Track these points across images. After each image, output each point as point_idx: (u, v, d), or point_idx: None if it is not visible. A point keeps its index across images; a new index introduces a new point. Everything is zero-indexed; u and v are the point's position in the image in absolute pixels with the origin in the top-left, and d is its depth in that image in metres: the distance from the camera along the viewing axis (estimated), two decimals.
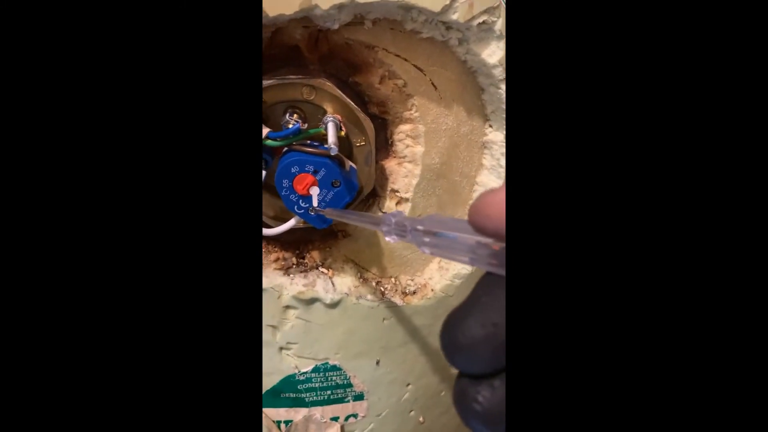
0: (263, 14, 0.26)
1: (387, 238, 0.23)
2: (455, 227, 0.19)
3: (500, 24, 0.30)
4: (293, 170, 0.29)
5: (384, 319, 0.38)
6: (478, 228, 0.17)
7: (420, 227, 0.21)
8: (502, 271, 0.17)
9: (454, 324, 0.17)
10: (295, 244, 0.37)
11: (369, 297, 0.37)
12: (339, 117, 0.31)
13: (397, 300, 0.38)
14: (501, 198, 0.17)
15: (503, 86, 0.33)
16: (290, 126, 0.29)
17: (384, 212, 0.37)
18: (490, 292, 0.17)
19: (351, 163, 0.32)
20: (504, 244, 0.17)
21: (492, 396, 0.16)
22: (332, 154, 0.28)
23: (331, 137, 0.29)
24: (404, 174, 0.36)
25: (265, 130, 0.30)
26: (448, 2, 0.28)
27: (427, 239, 0.20)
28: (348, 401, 0.40)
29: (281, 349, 0.37)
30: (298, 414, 0.40)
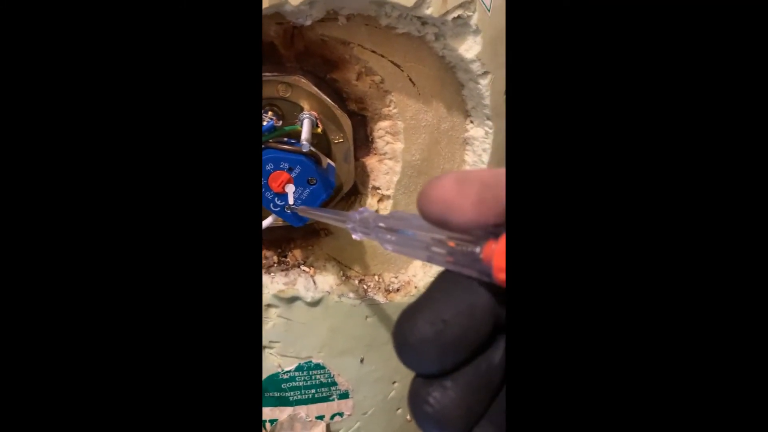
0: None
1: (354, 236, 0.23)
2: (416, 224, 0.19)
3: (476, 18, 0.30)
4: (268, 168, 0.29)
5: (367, 316, 0.38)
6: (423, 213, 0.17)
7: (382, 224, 0.20)
8: (458, 269, 0.17)
9: (404, 322, 0.16)
10: (277, 243, 0.37)
11: (351, 295, 0.37)
12: (315, 114, 0.31)
13: (380, 298, 0.38)
14: (444, 182, 0.16)
15: (482, 81, 0.33)
16: (264, 124, 0.29)
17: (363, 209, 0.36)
18: (444, 288, 0.17)
19: (329, 161, 0.32)
20: (459, 241, 0.17)
21: (443, 397, 0.16)
22: (304, 150, 0.28)
23: (305, 134, 0.29)
24: (385, 171, 0.36)
25: None
26: None
27: (389, 236, 0.20)
28: (333, 400, 0.40)
29: (263, 347, 0.37)
30: (282, 413, 0.39)
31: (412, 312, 0.16)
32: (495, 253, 0.15)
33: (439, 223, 0.17)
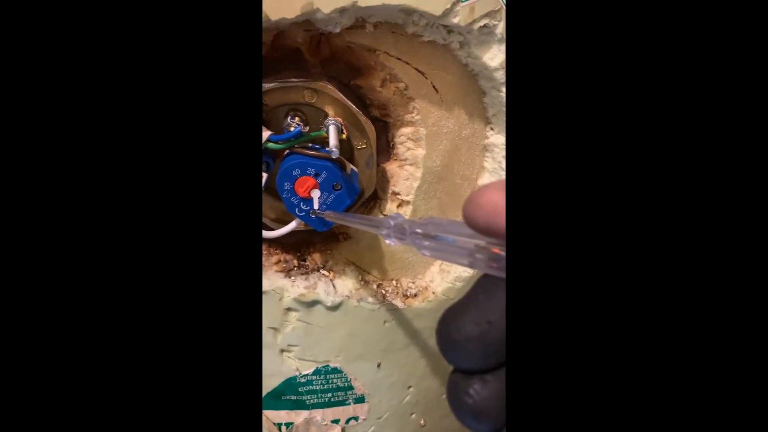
0: (265, 18, 0.27)
1: (387, 241, 0.23)
2: (453, 230, 0.19)
3: (501, 27, 0.30)
4: (295, 173, 0.29)
5: (385, 321, 0.38)
6: (469, 220, 0.17)
7: (419, 230, 0.21)
8: (502, 274, 0.17)
9: (449, 320, 0.17)
10: (296, 247, 0.38)
11: (370, 299, 0.37)
12: (340, 120, 0.31)
13: (399, 303, 0.38)
14: (492, 189, 0.17)
15: (504, 89, 0.33)
16: (291, 129, 0.30)
17: (385, 215, 0.37)
18: (488, 291, 0.17)
19: (352, 166, 0.32)
20: (504, 248, 0.17)
21: (483, 389, 0.16)
22: (333, 157, 0.28)
23: (333, 140, 0.29)
24: (405, 177, 0.36)
25: (267, 133, 0.30)
26: (449, 6, 0.28)
27: (426, 242, 0.20)
28: (349, 404, 0.40)
29: (282, 351, 0.37)
30: (299, 416, 0.40)
31: (457, 311, 0.17)
32: None
33: (486, 229, 0.17)
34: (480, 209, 0.17)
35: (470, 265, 0.18)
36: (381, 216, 0.37)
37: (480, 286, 0.18)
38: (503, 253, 0.17)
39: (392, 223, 0.23)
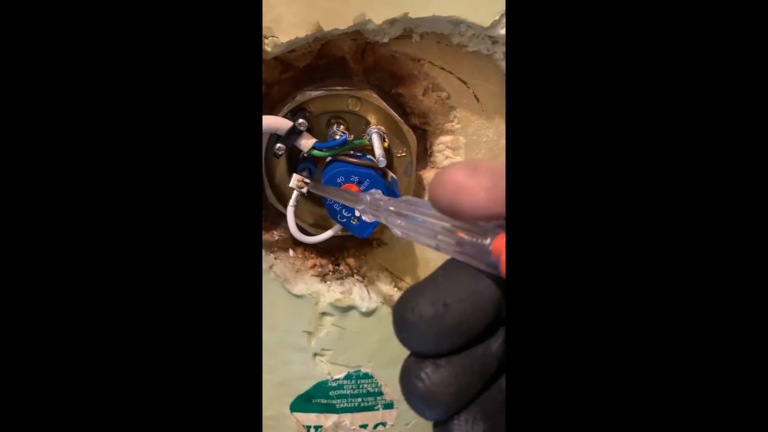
0: (317, 28, 0.27)
1: (363, 217, 0.23)
2: (425, 211, 0.18)
3: None
4: (339, 180, 0.30)
5: None
6: (433, 199, 0.17)
7: (392, 208, 0.20)
8: (466, 259, 0.16)
9: (405, 301, 0.16)
10: (331, 251, 0.38)
11: None
12: (383, 128, 0.32)
13: None
14: (457, 168, 0.16)
15: None
16: (337, 137, 0.30)
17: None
18: (449, 273, 0.17)
19: (392, 174, 0.33)
20: (468, 231, 0.16)
21: (434, 374, 0.16)
22: (381, 166, 0.29)
23: (378, 149, 0.29)
24: None
25: (311, 141, 0.30)
26: (497, 17, 0.28)
27: (399, 221, 0.20)
28: (378, 409, 0.40)
29: (315, 354, 0.37)
30: (328, 420, 0.40)
31: (414, 292, 0.16)
32: (505, 247, 0.15)
33: (449, 209, 0.16)
34: (442, 188, 0.16)
35: (436, 248, 0.18)
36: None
37: (442, 269, 0.17)
38: (468, 238, 0.16)
39: (369, 198, 0.22)
